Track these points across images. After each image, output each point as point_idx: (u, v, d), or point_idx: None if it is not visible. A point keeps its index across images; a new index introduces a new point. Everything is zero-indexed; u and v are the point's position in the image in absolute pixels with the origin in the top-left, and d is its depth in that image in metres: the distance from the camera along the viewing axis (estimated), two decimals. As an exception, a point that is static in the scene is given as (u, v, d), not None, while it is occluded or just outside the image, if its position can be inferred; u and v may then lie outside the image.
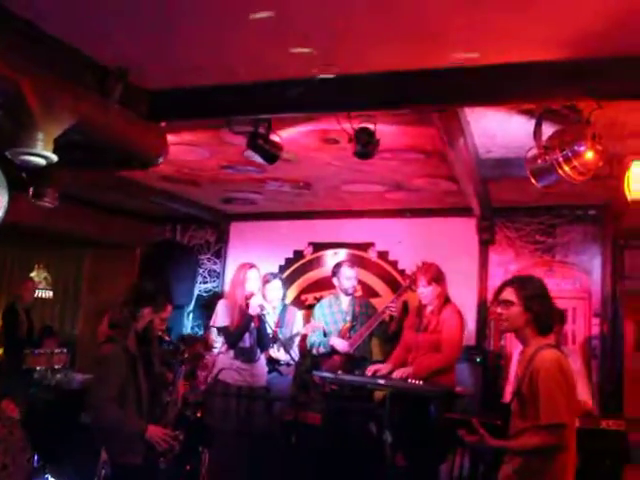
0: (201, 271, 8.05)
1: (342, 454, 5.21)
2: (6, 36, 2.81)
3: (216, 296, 7.64)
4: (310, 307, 6.78)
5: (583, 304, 6.20)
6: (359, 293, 6.39)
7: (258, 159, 4.31)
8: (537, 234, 6.52)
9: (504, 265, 6.56)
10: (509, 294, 3.16)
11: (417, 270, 5.37)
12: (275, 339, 5.40)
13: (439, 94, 3.37)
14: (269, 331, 5.26)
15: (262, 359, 5.44)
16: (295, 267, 7.56)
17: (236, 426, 5.09)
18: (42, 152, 2.90)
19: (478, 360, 6.14)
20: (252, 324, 5.22)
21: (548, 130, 3.60)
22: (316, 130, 4.44)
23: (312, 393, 5.85)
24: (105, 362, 3.69)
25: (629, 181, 4.22)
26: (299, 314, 6.26)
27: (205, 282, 8.04)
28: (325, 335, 5.82)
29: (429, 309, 5.22)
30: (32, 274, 9.18)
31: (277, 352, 5.73)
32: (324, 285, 7.02)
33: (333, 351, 5.72)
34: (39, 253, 9.60)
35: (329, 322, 5.90)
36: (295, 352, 5.87)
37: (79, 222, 7.17)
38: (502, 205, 6.39)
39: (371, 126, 3.93)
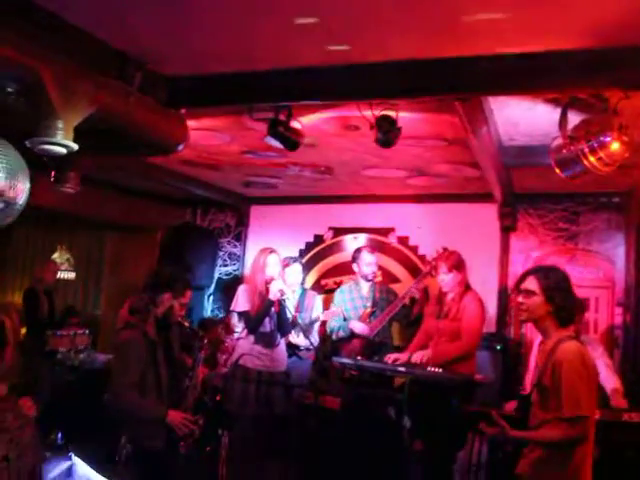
0: (221, 254, 8.08)
1: (361, 438, 5.23)
2: (26, 26, 2.80)
3: (236, 279, 7.68)
4: (330, 291, 6.77)
5: (606, 293, 6.13)
6: (379, 279, 6.36)
7: (279, 146, 4.29)
8: (560, 221, 6.44)
9: (526, 252, 6.49)
10: (531, 283, 3.10)
11: (438, 257, 5.32)
12: (295, 324, 5.40)
13: (461, 83, 3.32)
14: (289, 316, 5.27)
15: (282, 344, 5.45)
16: (315, 251, 7.56)
17: (255, 411, 5.12)
18: (62, 141, 2.91)
19: (498, 348, 6.10)
20: (272, 309, 5.23)
21: (574, 119, 3.54)
22: (337, 117, 4.40)
23: (331, 378, 5.86)
24: (124, 348, 3.71)
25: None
26: (318, 299, 6.25)
27: (225, 265, 8.07)
28: (345, 320, 5.82)
29: (450, 296, 5.18)
30: (54, 256, 9.27)
31: (296, 337, 5.75)
32: (344, 270, 7.02)
33: (352, 335, 5.73)
34: (61, 235, 9.68)
35: (349, 308, 5.90)
36: (314, 337, 5.87)
37: (101, 205, 7.22)
38: (524, 192, 6.31)
39: (392, 113, 3.88)
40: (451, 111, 3.92)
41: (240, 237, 8.04)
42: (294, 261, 6.05)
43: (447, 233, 6.34)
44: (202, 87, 3.85)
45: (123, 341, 3.74)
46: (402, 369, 4.88)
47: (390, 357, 5.13)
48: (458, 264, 5.14)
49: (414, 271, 6.81)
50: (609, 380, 4.59)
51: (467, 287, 5.19)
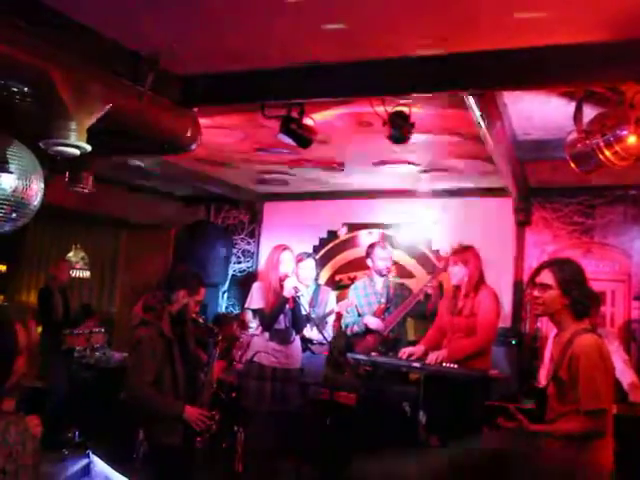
0: (235, 251, 8.09)
1: (376, 434, 5.22)
2: (36, 26, 2.80)
3: (250, 276, 7.69)
4: (344, 287, 6.76)
5: (623, 287, 6.08)
6: (393, 274, 6.34)
7: (291, 143, 4.29)
8: (575, 215, 6.39)
9: (541, 246, 6.45)
10: (546, 277, 3.06)
11: (452, 252, 5.30)
12: (308, 319, 5.40)
13: (475, 78, 3.30)
14: (304, 312, 5.27)
15: (297, 340, 5.45)
16: (329, 247, 7.56)
17: (271, 407, 5.12)
18: (75, 142, 2.91)
19: (513, 342, 6.07)
20: (287, 306, 5.23)
21: (589, 113, 3.50)
22: (350, 113, 4.39)
23: (346, 374, 5.86)
24: (140, 346, 3.71)
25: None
26: (332, 294, 6.25)
27: (239, 262, 8.09)
28: (359, 315, 5.82)
29: (464, 292, 5.16)
30: (69, 254, 9.32)
31: (310, 331, 5.75)
32: (358, 265, 7.02)
33: (367, 331, 5.72)
34: (76, 234, 9.74)
35: (363, 304, 5.88)
36: (328, 332, 5.87)
37: (115, 203, 7.25)
38: (539, 185, 6.27)
39: (406, 109, 3.86)
40: (465, 106, 3.89)
41: (254, 234, 8.06)
42: (307, 256, 6.04)
43: (461, 228, 6.33)
44: (215, 86, 3.85)
45: (139, 338, 3.74)
46: (417, 365, 4.87)
47: (405, 351, 5.10)
48: (472, 259, 5.11)
49: (428, 266, 6.79)
50: (625, 374, 4.55)
51: (482, 282, 5.16)
